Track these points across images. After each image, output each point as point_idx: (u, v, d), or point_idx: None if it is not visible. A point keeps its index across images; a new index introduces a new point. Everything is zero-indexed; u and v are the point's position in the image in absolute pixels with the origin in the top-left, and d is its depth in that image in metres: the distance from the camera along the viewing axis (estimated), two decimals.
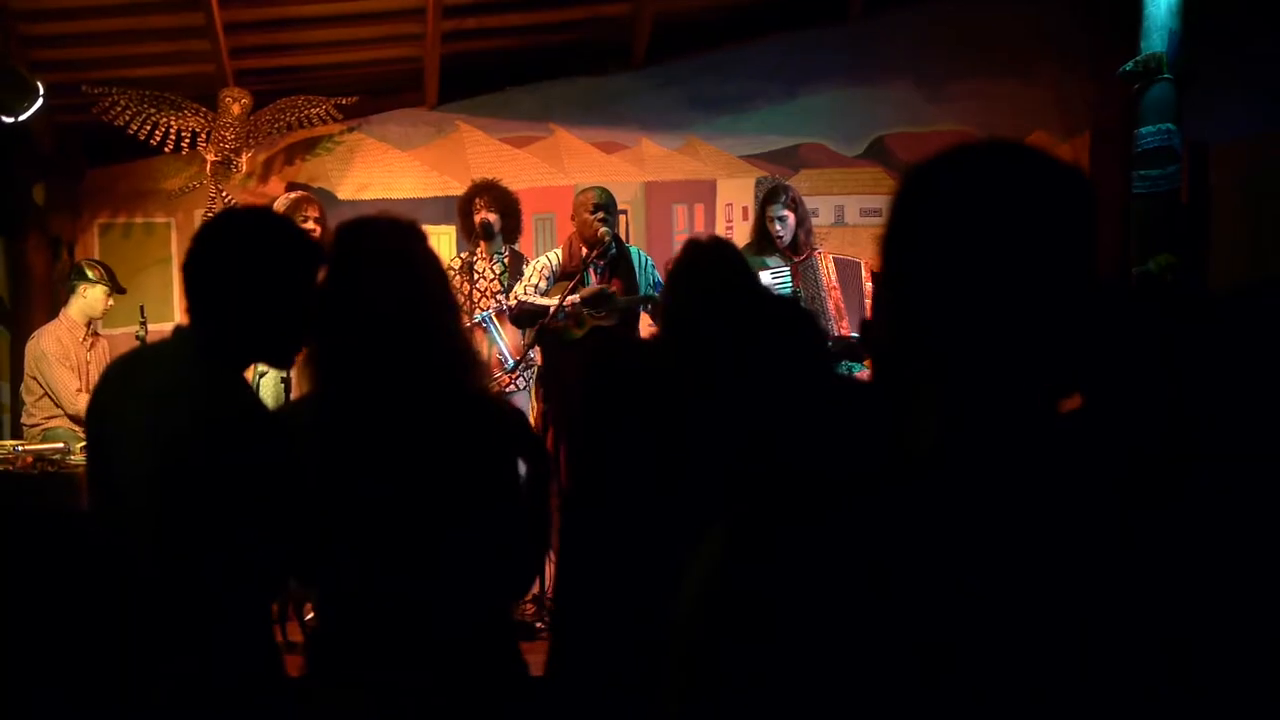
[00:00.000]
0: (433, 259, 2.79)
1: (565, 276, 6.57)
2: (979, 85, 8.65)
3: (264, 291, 2.75)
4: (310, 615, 5.25)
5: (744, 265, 3.54)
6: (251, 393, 2.88)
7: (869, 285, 6.75)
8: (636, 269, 6.56)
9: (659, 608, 2.84)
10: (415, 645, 2.64)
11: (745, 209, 8.85)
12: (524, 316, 6.54)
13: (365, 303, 2.66)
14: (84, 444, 6.33)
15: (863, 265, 6.89)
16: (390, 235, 2.76)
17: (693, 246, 3.49)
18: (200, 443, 2.57)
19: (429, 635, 2.64)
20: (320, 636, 2.80)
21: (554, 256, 6.72)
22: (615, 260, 6.56)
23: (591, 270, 6.53)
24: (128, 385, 2.81)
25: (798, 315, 3.17)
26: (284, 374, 6.14)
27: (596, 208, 6.52)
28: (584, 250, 6.56)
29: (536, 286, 6.58)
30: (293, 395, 5.93)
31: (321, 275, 2.75)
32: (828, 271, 6.77)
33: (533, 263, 6.80)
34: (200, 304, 2.78)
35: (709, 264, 3.46)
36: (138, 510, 2.61)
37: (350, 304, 2.68)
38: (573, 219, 6.78)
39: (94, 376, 7.31)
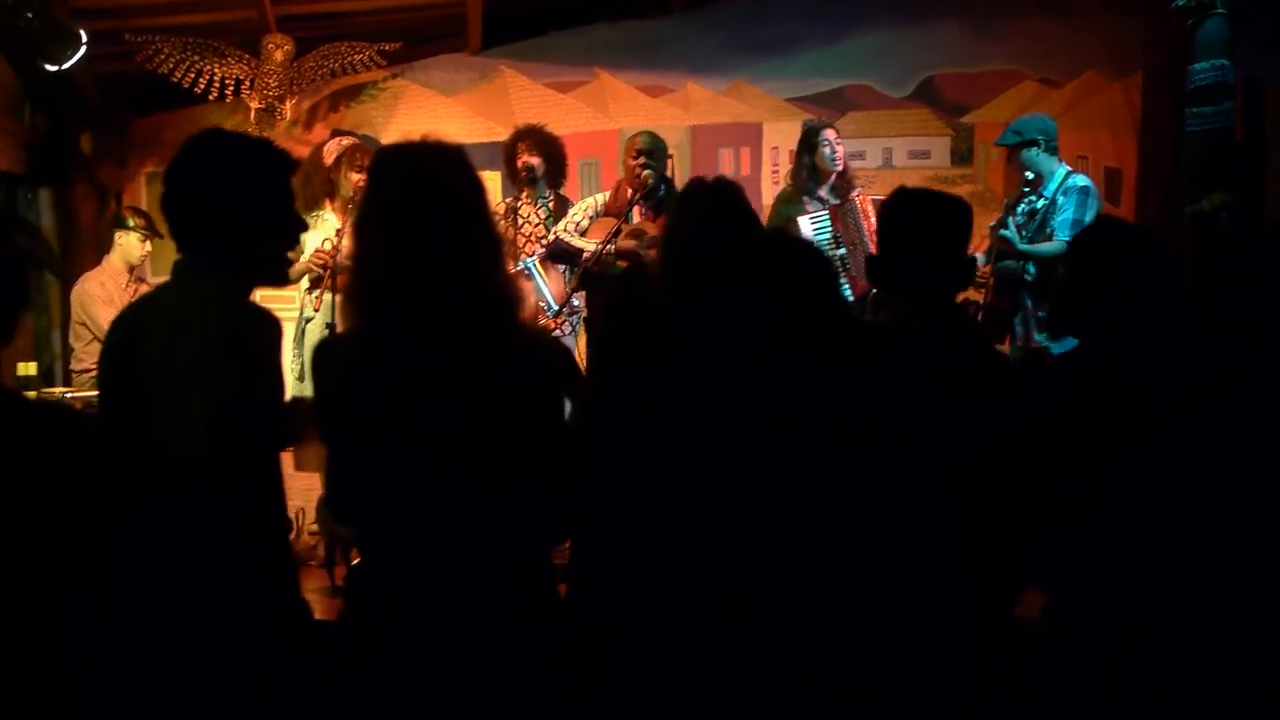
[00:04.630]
0: (470, 187, 2.72)
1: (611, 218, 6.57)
2: (1029, 24, 8.46)
3: (240, 207, 2.79)
4: (358, 560, 5.24)
5: (747, 209, 3.38)
6: (255, 308, 2.90)
7: None
8: None
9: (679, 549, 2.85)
10: (455, 585, 2.62)
11: (791, 153, 8.67)
12: (557, 253, 6.54)
13: (397, 230, 2.63)
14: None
15: None
16: (426, 161, 2.71)
17: (695, 187, 3.37)
18: (213, 353, 2.62)
19: (468, 575, 2.63)
20: (358, 576, 2.79)
21: (600, 199, 6.75)
22: (661, 203, 6.55)
23: (637, 211, 6.56)
24: (144, 316, 2.86)
25: (807, 264, 3.12)
26: (329, 320, 6.14)
27: (639, 153, 6.57)
28: (629, 194, 6.55)
29: (578, 224, 6.60)
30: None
31: (357, 207, 2.74)
32: (868, 214, 6.73)
33: (579, 203, 6.83)
34: (183, 231, 2.84)
35: (711, 207, 3.32)
36: (170, 431, 2.62)
37: (383, 231, 2.66)
38: (621, 164, 6.76)
39: None
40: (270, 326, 2.75)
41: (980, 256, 6.86)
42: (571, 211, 6.78)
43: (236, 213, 2.79)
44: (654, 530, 2.96)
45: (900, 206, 3.11)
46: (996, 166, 8.63)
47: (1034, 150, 6.49)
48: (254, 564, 2.69)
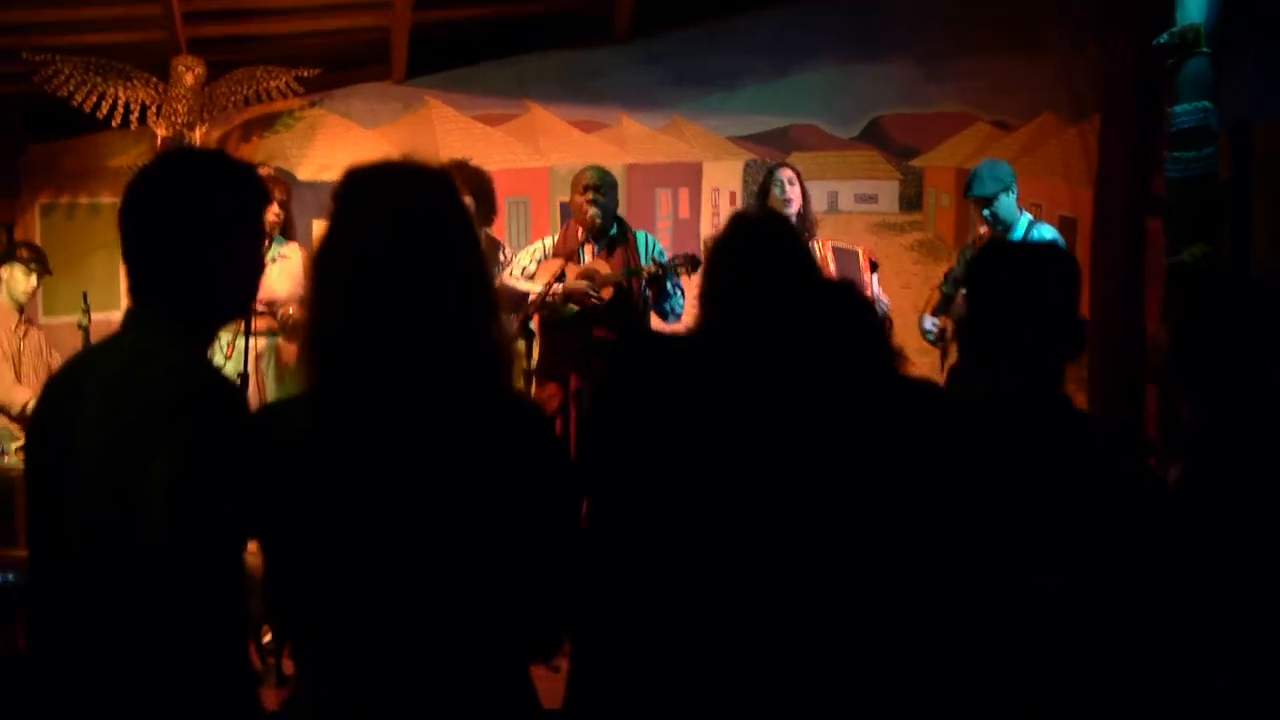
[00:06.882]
0: (461, 220, 2.27)
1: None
2: (983, 63, 8.21)
3: (218, 236, 2.34)
4: (268, 638, 4.73)
5: (799, 246, 3.07)
6: (218, 371, 2.43)
7: (868, 275, 6.47)
8: (641, 250, 6.22)
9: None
10: (413, 700, 2.15)
11: (733, 194, 8.41)
12: (504, 301, 6.16)
13: (370, 274, 2.15)
14: (19, 443, 5.90)
15: (860, 254, 6.66)
16: (409, 186, 2.24)
17: (739, 221, 3.06)
18: (165, 420, 2.18)
19: (430, 689, 2.16)
20: (298, 686, 2.29)
21: (549, 242, 6.47)
22: (614, 241, 6.27)
23: (588, 251, 6.26)
24: (78, 379, 2.39)
25: (855, 303, 2.77)
26: (241, 370, 5.65)
27: (587, 188, 6.25)
28: (579, 233, 6.26)
29: (525, 269, 6.27)
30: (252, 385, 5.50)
31: (318, 239, 2.29)
32: (826, 260, 6.43)
33: (526, 248, 6.56)
34: (144, 272, 2.36)
35: (758, 243, 3.00)
36: (97, 507, 2.20)
37: (353, 270, 2.17)
38: (570, 202, 6.51)
39: (28, 367, 7.00)
40: (230, 394, 2.30)
41: (929, 317, 6.59)
42: (518, 257, 6.47)
43: (216, 251, 2.35)
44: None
45: (995, 260, 2.75)
46: (947, 213, 8.38)
47: (1010, 197, 6.19)
48: (209, 665, 2.24)
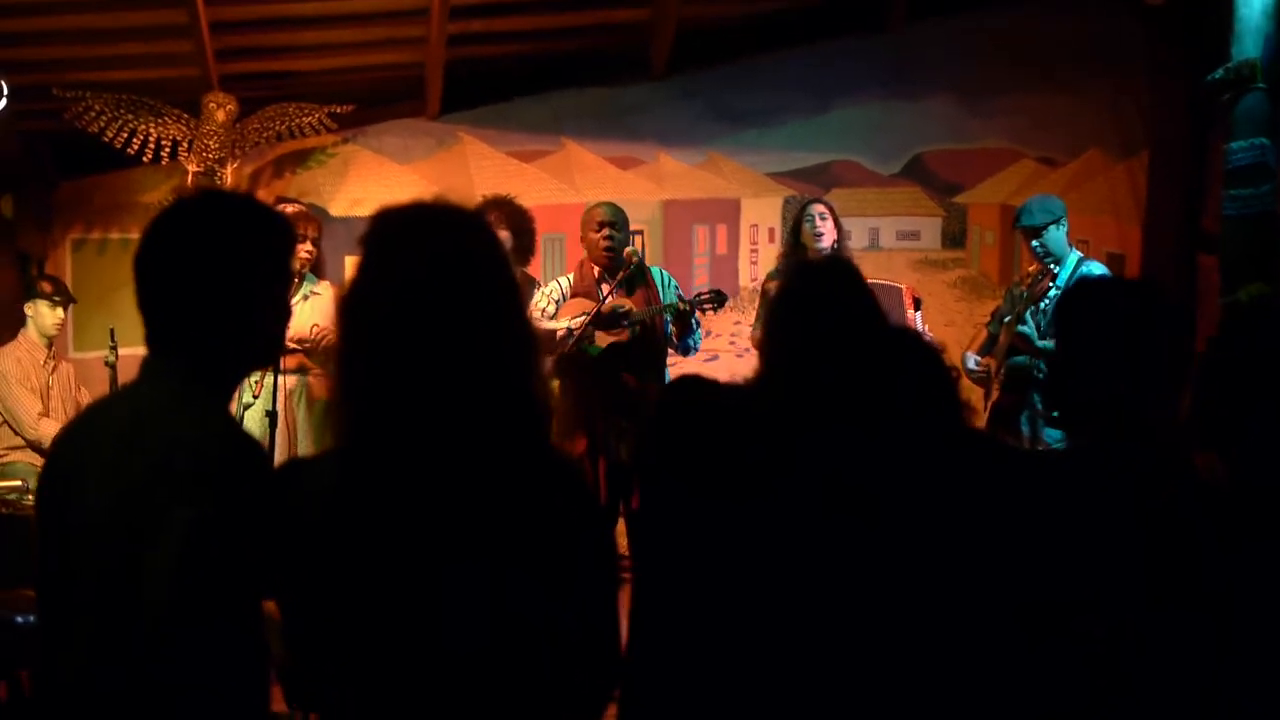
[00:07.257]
0: (497, 260, 2.15)
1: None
2: (1027, 99, 8.09)
3: (241, 282, 2.21)
4: None
5: (859, 289, 2.95)
6: (239, 426, 2.32)
7: (911, 312, 6.30)
8: (659, 286, 6.13)
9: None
10: None
11: (772, 230, 8.28)
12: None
13: (402, 318, 2.03)
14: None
15: (903, 290, 6.49)
16: (443, 229, 2.12)
17: (803, 268, 2.99)
18: (175, 480, 2.03)
19: None
20: None
21: (565, 281, 6.38)
22: (632, 278, 6.17)
23: (606, 288, 6.17)
24: (88, 432, 2.27)
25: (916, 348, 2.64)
26: (270, 408, 5.52)
27: (601, 224, 6.20)
28: (595, 271, 6.18)
29: (545, 311, 6.16)
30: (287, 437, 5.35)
31: (348, 281, 2.16)
32: None
33: (543, 289, 6.42)
34: (164, 308, 2.23)
35: (815, 288, 2.90)
36: (104, 562, 2.08)
37: (386, 318, 2.05)
38: (582, 240, 6.41)
39: (56, 401, 6.97)
40: (248, 456, 2.17)
41: (973, 356, 6.44)
42: (535, 298, 6.34)
43: (240, 298, 2.23)
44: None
45: (1081, 301, 2.66)
46: (991, 250, 8.24)
47: (1060, 230, 6.04)
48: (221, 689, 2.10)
